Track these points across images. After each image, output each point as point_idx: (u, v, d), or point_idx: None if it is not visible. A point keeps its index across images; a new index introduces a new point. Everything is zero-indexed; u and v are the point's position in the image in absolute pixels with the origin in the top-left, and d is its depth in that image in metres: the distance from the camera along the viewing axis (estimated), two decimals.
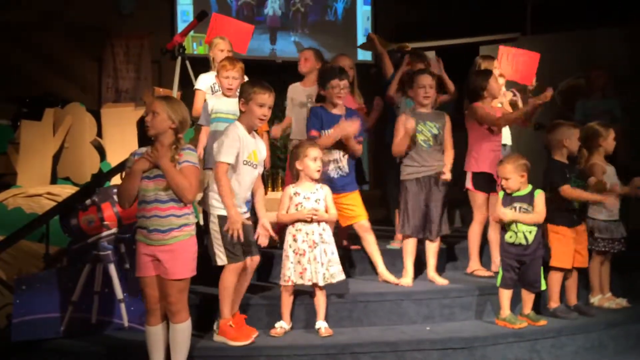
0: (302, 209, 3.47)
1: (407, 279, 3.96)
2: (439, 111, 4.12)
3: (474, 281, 4.05)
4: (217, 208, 3.27)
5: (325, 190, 3.56)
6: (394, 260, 4.15)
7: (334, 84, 3.85)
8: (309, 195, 3.51)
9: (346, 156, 3.92)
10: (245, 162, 3.30)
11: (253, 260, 3.42)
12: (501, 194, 3.74)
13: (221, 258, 3.27)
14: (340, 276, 3.52)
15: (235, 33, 4.84)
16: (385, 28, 7.87)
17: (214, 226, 3.28)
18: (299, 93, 4.66)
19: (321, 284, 3.45)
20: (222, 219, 3.25)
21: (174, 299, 2.96)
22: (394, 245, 4.46)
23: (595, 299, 4.08)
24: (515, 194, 3.68)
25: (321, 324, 3.51)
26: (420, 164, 3.96)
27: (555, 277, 3.83)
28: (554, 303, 3.84)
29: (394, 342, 3.43)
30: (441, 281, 4.00)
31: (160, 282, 2.97)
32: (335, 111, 3.93)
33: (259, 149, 3.40)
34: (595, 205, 3.95)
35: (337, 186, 3.85)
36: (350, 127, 3.79)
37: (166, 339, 3.04)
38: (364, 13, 8.15)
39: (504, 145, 4.56)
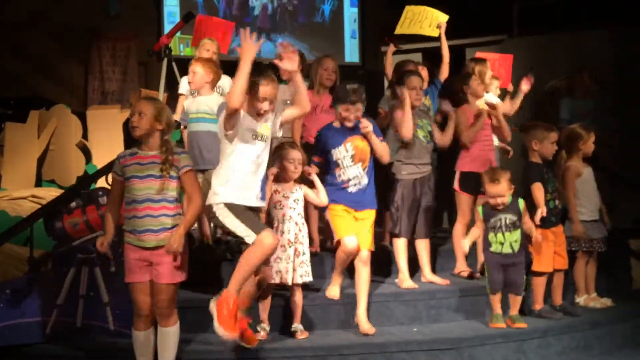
0: (280, 209, 3.47)
1: (407, 281, 3.92)
2: (425, 109, 4.14)
3: (460, 282, 4.07)
4: (220, 195, 3.06)
5: (303, 189, 3.54)
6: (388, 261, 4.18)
7: (344, 109, 3.57)
8: (289, 195, 3.50)
9: (366, 169, 3.62)
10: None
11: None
12: (480, 209, 3.73)
13: (248, 234, 2.99)
14: (308, 278, 3.49)
15: (220, 33, 4.84)
16: (372, 30, 7.90)
17: (224, 212, 3.03)
18: (283, 92, 4.65)
19: (298, 281, 3.44)
20: (230, 205, 3.04)
21: (165, 303, 2.93)
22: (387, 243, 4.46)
23: (580, 299, 4.12)
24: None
25: (297, 327, 3.47)
26: (417, 162, 3.97)
27: (539, 280, 3.86)
28: (539, 305, 3.88)
29: (381, 343, 3.44)
30: (441, 281, 4.01)
31: (152, 287, 2.94)
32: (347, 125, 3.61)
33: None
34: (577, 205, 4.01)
35: (352, 200, 3.60)
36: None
37: (154, 343, 3.02)
38: (351, 15, 8.17)
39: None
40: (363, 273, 3.56)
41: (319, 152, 3.68)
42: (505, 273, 3.68)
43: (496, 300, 3.71)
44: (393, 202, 4.01)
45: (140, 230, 2.91)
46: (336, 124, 3.68)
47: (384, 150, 3.65)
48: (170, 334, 2.98)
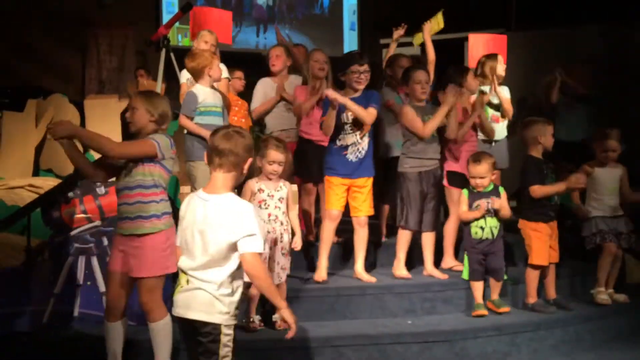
0: (265, 209, 3.41)
1: (402, 270, 4.00)
2: (433, 105, 4.14)
3: (454, 275, 4.08)
4: None
5: (287, 187, 3.52)
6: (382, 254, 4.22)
7: (354, 69, 3.79)
8: (273, 193, 3.46)
9: (365, 138, 3.85)
10: None
11: None
12: (466, 192, 3.81)
13: None
14: (287, 272, 3.51)
15: (217, 23, 4.82)
16: (371, 22, 7.89)
17: None
18: (271, 89, 4.66)
19: (283, 279, 3.47)
20: None
21: (144, 298, 2.91)
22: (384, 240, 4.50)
23: (595, 291, 4.10)
24: (482, 190, 3.77)
25: (277, 317, 3.42)
26: (422, 156, 3.99)
27: (533, 274, 3.90)
28: (532, 298, 3.91)
29: (375, 335, 3.47)
30: (441, 275, 4.04)
31: (130, 280, 2.93)
32: (354, 95, 3.83)
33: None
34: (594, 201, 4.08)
35: (348, 169, 3.83)
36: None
37: (123, 335, 2.99)
38: (350, 7, 8.16)
39: (496, 140, 4.54)
40: (361, 233, 3.91)
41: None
42: (486, 260, 3.75)
43: (477, 288, 3.76)
44: (399, 195, 4.04)
45: (121, 218, 2.92)
46: (348, 93, 3.84)
47: (365, 116, 3.78)
48: (156, 329, 2.94)
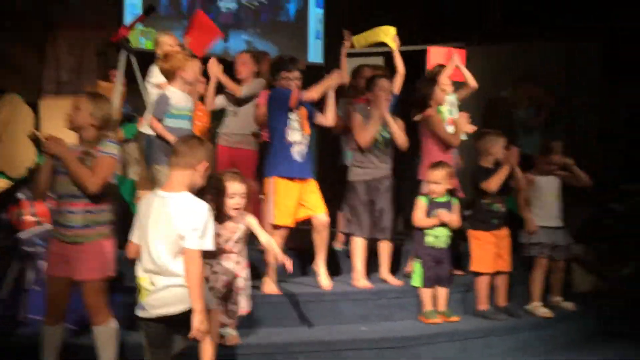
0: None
1: (361, 280, 4.00)
2: (393, 116, 4.18)
3: (409, 282, 4.13)
4: None
5: (245, 224, 3.25)
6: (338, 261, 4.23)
7: (284, 75, 3.85)
8: (229, 236, 3.20)
9: (306, 137, 3.87)
10: None
11: None
12: (425, 199, 3.87)
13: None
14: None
15: (202, 32, 4.75)
16: (337, 32, 7.94)
17: None
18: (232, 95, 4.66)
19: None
20: None
21: (89, 301, 2.88)
22: (336, 246, 4.51)
23: (530, 306, 4.18)
24: (437, 200, 3.85)
25: (227, 332, 3.26)
26: (372, 166, 4.05)
27: (481, 281, 3.98)
28: (483, 306, 3.99)
29: (330, 341, 3.48)
30: (395, 281, 4.07)
31: (71, 284, 2.89)
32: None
33: None
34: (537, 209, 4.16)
35: (298, 170, 3.80)
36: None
37: (59, 340, 2.95)
38: (316, 15, 8.20)
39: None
40: (324, 234, 3.85)
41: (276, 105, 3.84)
42: (437, 268, 3.81)
43: (428, 295, 3.83)
44: (349, 203, 4.06)
45: (63, 225, 2.87)
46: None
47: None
48: (99, 333, 2.90)
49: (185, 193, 2.60)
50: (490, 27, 6.92)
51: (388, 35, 4.53)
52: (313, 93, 3.85)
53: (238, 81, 4.71)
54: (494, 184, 3.90)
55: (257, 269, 3.80)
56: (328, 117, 3.95)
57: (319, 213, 3.83)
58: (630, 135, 5.94)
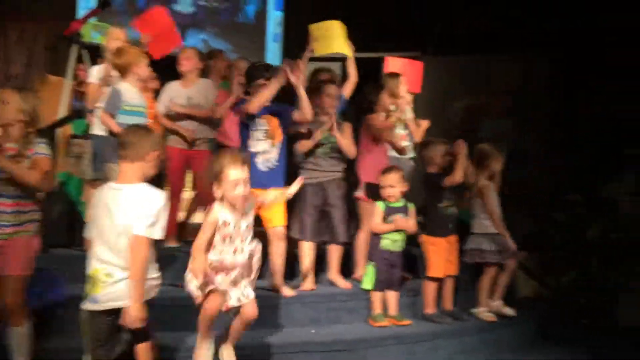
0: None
1: (308, 283, 4.02)
2: (339, 121, 4.24)
3: (359, 286, 4.17)
4: None
5: (254, 206, 3.00)
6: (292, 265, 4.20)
7: (260, 83, 3.81)
8: (240, 224, 2.86)
9: (277, 145, 3.82)
10: None
11: None
12: (382, 204, 3.93)
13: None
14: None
15: (162, 36, 4.68)
16: (296, 35, 7.95)
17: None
18: (179, 94, 4.63)
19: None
20: None
21: (9, 299, 2.81)
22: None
23: (476, 310, 4.29)
24: (394, 205, 3.92)
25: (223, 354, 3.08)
26: (320, 169, 4.08)
27: (430, 286, 4.08)
28: (430, 309, 4.08)
29: (279, 344, 3.48)
30: (344, 284, 4.10)
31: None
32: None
33: None
34: (478, 219, 4.26)
35: (262, 181, 3.65)
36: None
37: None
38: (275, 18, 8.21)
39: (406, 158, 4.65)
40: (280, 247, 3.81)
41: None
42: (390, 271, 3.88)
43: (378, 299, 3.89)
44: (296, 206, 4.09)
45: None
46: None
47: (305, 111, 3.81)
48: (17, 334, 2.84)
49: (140, 184, 2.58)
50: (445, 38, 7.09)
51: (344, 43, 4.59)
52: (253, 105, 3.72)
53: (180, 76, 4.67)
54: (457, 175, 3.99)
55: None
56: (304, 112, 3.83)
57: (275, 225, 3.81)
58: (578, 146, 6.20)
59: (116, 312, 2.57)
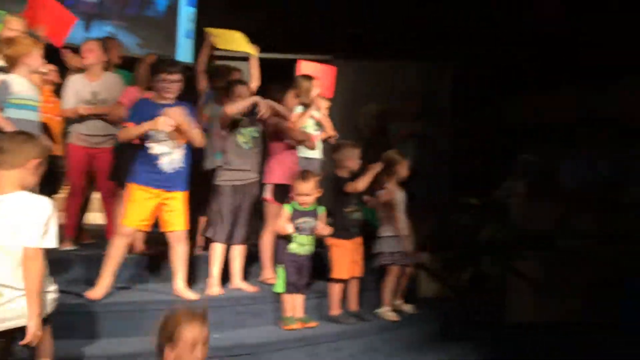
0: None
1: (215, 287, 3.96)
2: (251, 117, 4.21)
3: (266, 289, 4.18)
4: None
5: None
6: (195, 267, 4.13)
7: (164, 77, 3.69)
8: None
9: (181, 148, 3.73)
10: None
11: None
12: (289, 207, 3.94)
13: None
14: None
15: (56, 21, 4.41)
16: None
17: None
18: (84, 87, 4.45)
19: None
20: None
21: None
22: (196, 252, 4.43)
23: (380, 310, 4.39)
24: (302, 209, 3.95)
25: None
26: (238, 168, 4.02)
27: (335, 288, 4.15)
28: (335, 310, 4.15)
29: None
30: (250, 287, 4.07)
31: None
32: (162, 102, 3.72)
33: None
34: (385, 223, 4.39)
35: (165, 182, 3.66)
36: (163, 125, 3.59)
37: None
38: (187, 14, 8.00)
39: (316, 159, 4.68)
40: (179, 249, 3.77)
41: (134, 120, 3.67)
42: (298, 275, 3.91)
43: (290, 302, 3.91)
44: (212, 207, 4.01)
45: None
46: (153, 98, 3.74)
47: (195, 141, 3.76)
48: None
49: (20, 192, 2.41)
50: (356, 42, 7.23)
51: (246, 44, 4.57)
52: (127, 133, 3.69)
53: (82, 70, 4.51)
54: (361, 184, 4.07)
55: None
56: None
57: (175, 229, 3.74)
58: (475, 152, 6.54)
59: (12, 333, 2.41)
